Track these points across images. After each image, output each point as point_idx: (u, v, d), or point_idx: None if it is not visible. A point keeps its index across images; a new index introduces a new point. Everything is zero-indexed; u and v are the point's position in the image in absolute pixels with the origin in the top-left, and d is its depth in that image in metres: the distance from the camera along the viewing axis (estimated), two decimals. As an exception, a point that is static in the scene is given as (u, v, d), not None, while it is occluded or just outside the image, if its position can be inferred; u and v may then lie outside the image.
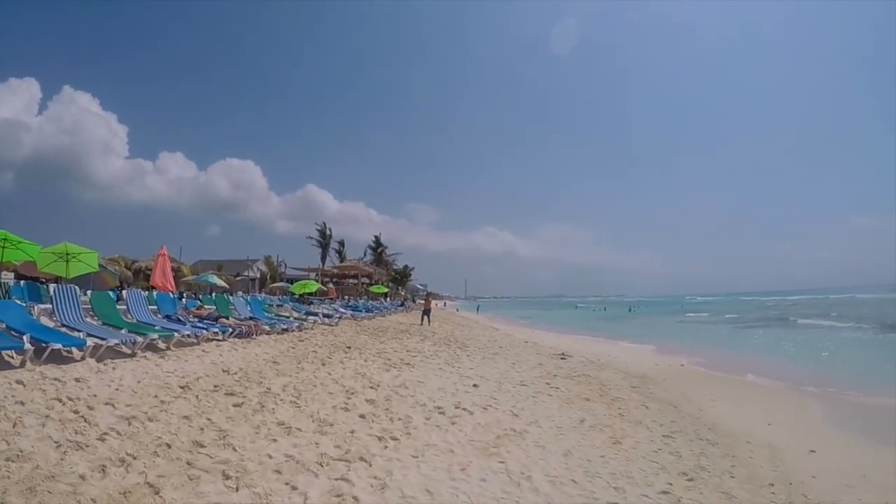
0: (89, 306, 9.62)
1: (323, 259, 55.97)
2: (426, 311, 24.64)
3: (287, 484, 3.69)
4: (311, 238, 57.15)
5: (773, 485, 4.95)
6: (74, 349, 6.97)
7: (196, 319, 11.18)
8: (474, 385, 8.53)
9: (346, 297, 38.29)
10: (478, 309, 65.48)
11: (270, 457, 4.20)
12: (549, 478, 4.48)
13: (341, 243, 59.48)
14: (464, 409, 6.72)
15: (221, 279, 28.58)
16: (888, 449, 6.56)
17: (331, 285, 41.70)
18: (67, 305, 8.83)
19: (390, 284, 57.79)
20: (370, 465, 4.29)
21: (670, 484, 4.62)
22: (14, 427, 4.12)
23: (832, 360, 16.32)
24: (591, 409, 7.51)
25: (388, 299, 45.61)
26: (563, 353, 14.72)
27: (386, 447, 4.84)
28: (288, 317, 16.43)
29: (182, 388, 6.15)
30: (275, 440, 4.66)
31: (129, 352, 7.75)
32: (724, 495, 4.50)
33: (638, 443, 5.94)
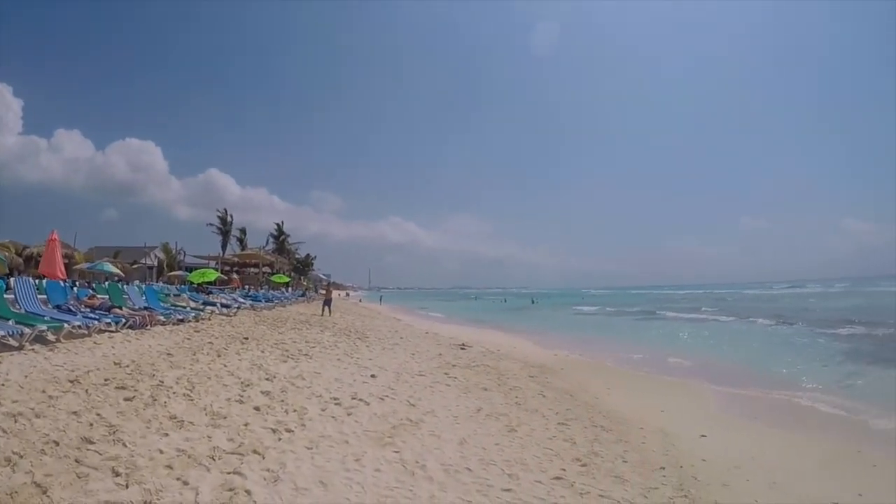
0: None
1: (223, 247, 52.94)
2: (327, 302, 24.28)
3: (178, 479, 3.59)
4: (211, 225, 53.81)
5: (664, 468, 5.01)
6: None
7: (88, 310, 10.39)
8: (372, 375, 8.45)
9: (247, 286, 36.65)
10: (381, 300, 64.72)
11: (161, 452, 4.03)
12: (443, 466, 4.46)
13: (243, 231, 56.51)
14: (360, 399, 6.63)
15: (117, 267, 26.31)
16: (775, 432, 6.83)
17: (234, 275, 39.75)
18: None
19: (292, 274, 55.86)
20: (264, 458, 4.18)
21: (564, 469, 4.68)
22: None
23: (710, 348, 16.85)
24: (489, 399, 7.56)
25: (289, 289, 44.25)
26: (462, 344, 14.84)
27: (280, 439, 4.74)
28: (185, 307, 15.61)
29: (71, 382, 5.76)
30: (166, 434, 4.48)
31: (16, 344, 7.15)
32: (617, 479, 4.57)
33: (533, 430, 6.01)
